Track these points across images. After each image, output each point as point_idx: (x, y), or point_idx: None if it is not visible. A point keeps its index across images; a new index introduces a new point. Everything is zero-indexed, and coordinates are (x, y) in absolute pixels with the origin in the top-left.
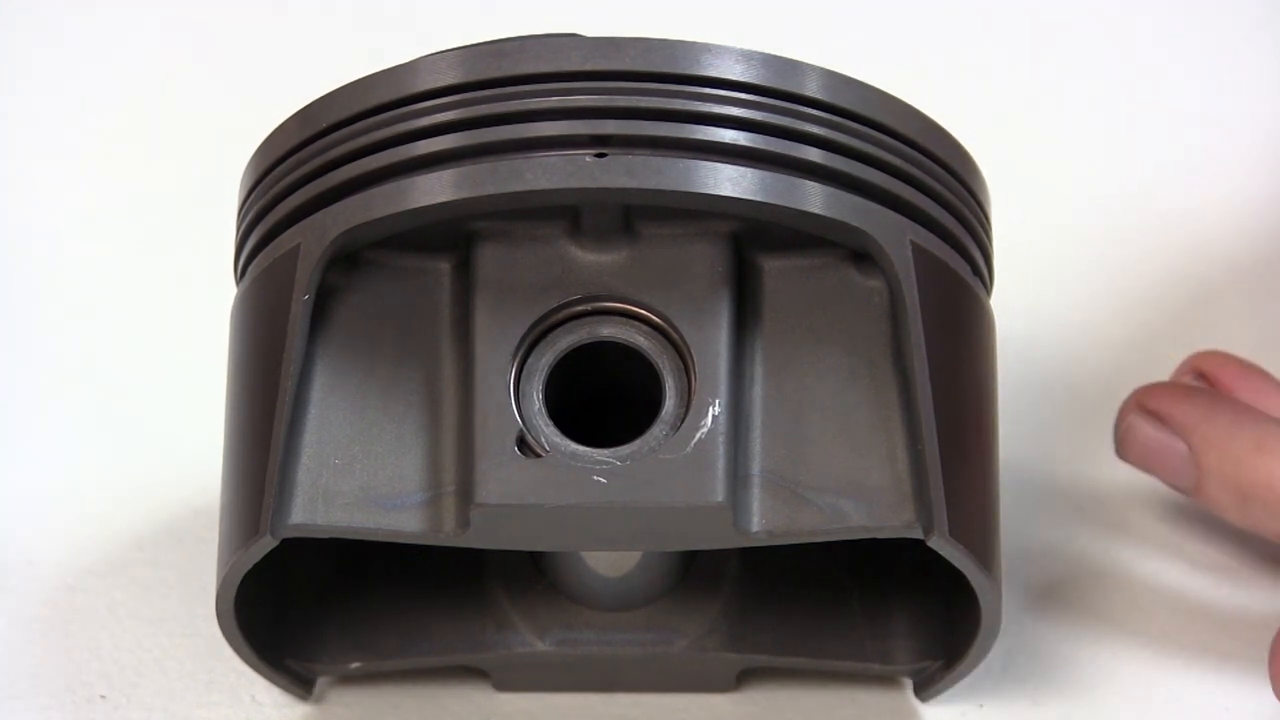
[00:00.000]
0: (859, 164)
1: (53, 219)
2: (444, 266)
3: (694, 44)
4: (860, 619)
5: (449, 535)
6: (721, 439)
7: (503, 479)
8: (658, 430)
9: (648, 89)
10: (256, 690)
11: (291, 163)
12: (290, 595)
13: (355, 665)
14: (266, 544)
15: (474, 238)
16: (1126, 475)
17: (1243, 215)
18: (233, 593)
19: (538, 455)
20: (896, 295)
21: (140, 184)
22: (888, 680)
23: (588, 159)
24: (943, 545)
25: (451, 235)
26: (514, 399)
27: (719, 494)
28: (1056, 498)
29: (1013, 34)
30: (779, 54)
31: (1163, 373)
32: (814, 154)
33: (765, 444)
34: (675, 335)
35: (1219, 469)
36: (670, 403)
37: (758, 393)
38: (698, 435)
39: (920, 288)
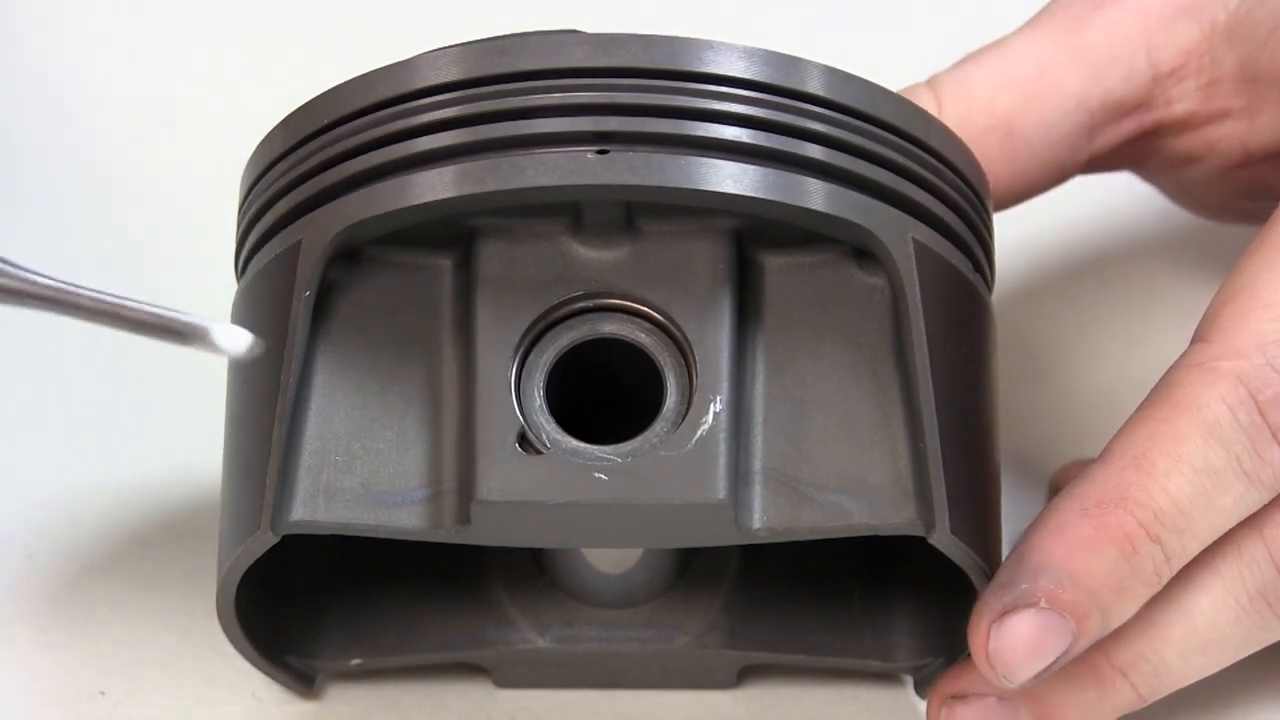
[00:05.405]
0: (861, 161)
1: (52, 216)
2: (445, 263)
3: (696, 41)
4: (861, 616)
5: (450, 532)
6: (723, 436)
7: (503, 476)
8: (659, 427)
9: (650, 86)
10: (257, 687)
11: (293, 159)
12: (291, 592)
13: (356, 662)
14: (267, 540)
15: (475, 234)
16: None
17: None
18: (233, 589)
19: (539, 452)
20: (898, 292)
21: (140, 180)
22: (889, 677)
23: (590, 156)
24: (944, 542)
25: (453, 232)
26: (515, 396)
27: (720, 491)
28: None
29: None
30: (781, 51)
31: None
32: (816, 151)
33: (766, 441)
34: (677, 332)
35: None
36: (671, 400)
37: (759, 390)
38: (699, 432)
39: (922, 285)
